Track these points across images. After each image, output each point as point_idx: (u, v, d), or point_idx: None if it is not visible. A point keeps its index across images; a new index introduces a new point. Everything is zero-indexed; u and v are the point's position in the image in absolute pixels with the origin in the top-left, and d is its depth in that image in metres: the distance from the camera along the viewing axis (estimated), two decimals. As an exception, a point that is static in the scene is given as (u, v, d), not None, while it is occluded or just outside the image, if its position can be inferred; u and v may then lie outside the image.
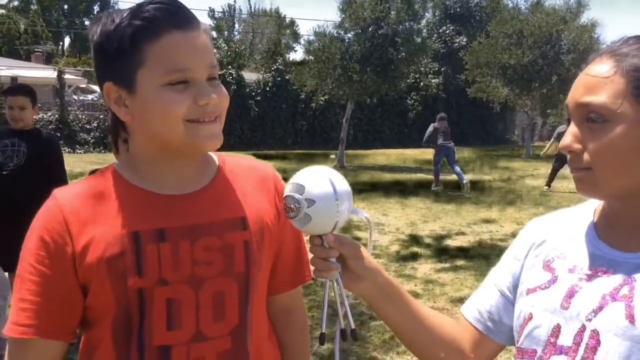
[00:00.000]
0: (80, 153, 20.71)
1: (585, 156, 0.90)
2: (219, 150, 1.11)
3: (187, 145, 1.04)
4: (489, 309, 1.08)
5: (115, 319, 1.04)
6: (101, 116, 21.72)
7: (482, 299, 1.11)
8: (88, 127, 21.95)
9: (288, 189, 1.00)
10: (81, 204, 1.05)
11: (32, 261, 1.03)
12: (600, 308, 0.88)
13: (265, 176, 1.21)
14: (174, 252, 1.04)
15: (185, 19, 1.02)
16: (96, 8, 49.40)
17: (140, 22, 1.00)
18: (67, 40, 49.16)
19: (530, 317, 0.97)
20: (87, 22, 50.15)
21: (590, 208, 1.02)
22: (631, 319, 0.84)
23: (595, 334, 0.87)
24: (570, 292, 0.92)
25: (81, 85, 25.34)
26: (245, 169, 1.20)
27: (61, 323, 1.04)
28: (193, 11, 1.06)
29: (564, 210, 1.08)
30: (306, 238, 1.15)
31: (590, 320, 0.88)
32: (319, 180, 1.00)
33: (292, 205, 0.99)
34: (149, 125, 1.04)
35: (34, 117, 4.04)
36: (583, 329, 0.88)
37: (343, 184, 1.01)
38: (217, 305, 1.07)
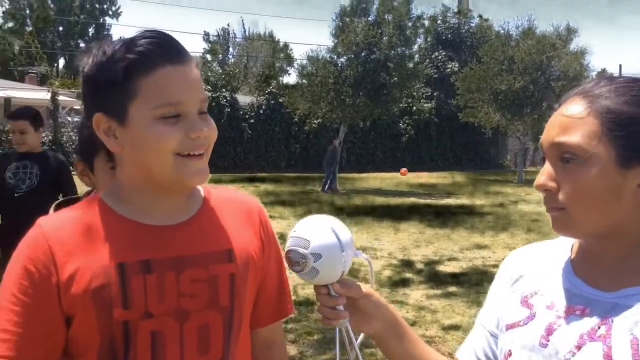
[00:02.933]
0: (74, 174, 20.60)
1: (560, 196, 0.91)
2: (211, 172, 1.11)
3: (175, 179, 1.05)
4: (485, 352, 1.08)
5: (99, 352, 1.02)
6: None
7: (476, 341, 1.10)
8: (81, 148, 21.88)
9: (292, 243, 1.00)
10: (67, 234, 1.04)
11: (14, 291, 1.00)
12: (579, 347, 0.88)
13: (250, 208, 1.21)
14: (159, 284, 1.04)
15: (178, 53, 1.04)
16: (91, 30, 49.70)
17: (134, 55, 1.01)
18: (61, 61, 49.33)
19: (510, 354, 0.96)
20: (82, 44, 50.40)
21: (568, 242, 1.02)
22: (609, 359, 0.84)
23: None
24: (549, 330, 0.93)
25: (75, 107, 25.32)
26: (230, 201, 1.20)
27: (43, 355, 1.02)
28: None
29: (541, 243, 1.09)
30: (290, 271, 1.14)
31: (568, 359, 0.88)
32: (322, 232, 1.00)
33: (298, 260, 0.99)
34: (139, 157, 1.05)
35: (40, 139, 4.09)
36: None
37: (345, 232, 1.02)
38: (201, 338, 1.06)
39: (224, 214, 1.16)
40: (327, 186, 17.02)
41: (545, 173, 0.93)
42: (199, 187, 1.18)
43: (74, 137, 22.15)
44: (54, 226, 1.05)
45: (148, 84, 1.01)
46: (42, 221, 1.07)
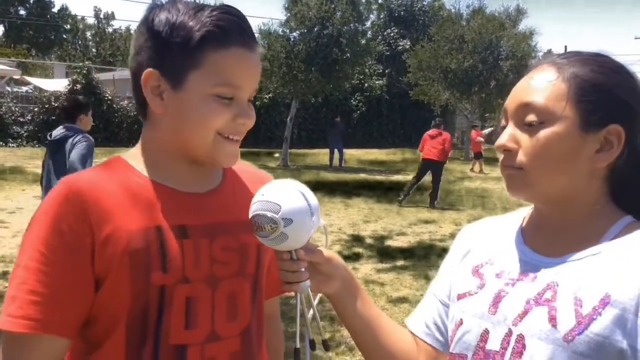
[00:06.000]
0: (13, 147, 19.86)
1: (520, 156, 0.93)
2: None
3: (209, 155, 1.05)
4: (435, 321, 1.09)
5: (130, 316, 0.98)
6: (35, 109, 20.88)
7: (427, 311, 1.12)
8: (22, 120, 21.08)
9: (259, 207, 0.96)
10: (100, 193, 0.99)
11: (42, 249, 0.95)
12: (525, 313, 0.90)
13: (263, 178, 1.19)
14: (195, 249, 1.02)
15: (252, 38, 1.04)
16: (32, -3, 47.43)
17: (213, 28, 0.99)
18: (0, 29, 47.00)
19: (461, 323, 0.99)
20: (22, 12, 48.14)
21: (520, 215, 1.06)
22: (553, 322, 0.87)
23: (520, 338, 0.89)
24: (497, 297, 0.95)
25: (15, 77, 24.30)
26: (247, 172, 1.20)
27: (71, 318, 0.97)
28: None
29: (494, 217, 1.12)
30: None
31: (516, 325, 0.91)
32: (292, 196, 0.96)
33: (266, 225, 0.95)
34: (181, 125, 1.03)
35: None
36: (510, 333, 0.91)
37: (313, 197, 0.99)
38: (230, 305, 1.06)
39: (244, 184, 1.16)
40: (333, 162, 17.80)
41: (507, 134, 0.94)
42: None
43: (13, 108, 21.27)
44: (84, 184, 0.99)
45: (217, 59, 0.99)
46: (71, 179, 1.01)
